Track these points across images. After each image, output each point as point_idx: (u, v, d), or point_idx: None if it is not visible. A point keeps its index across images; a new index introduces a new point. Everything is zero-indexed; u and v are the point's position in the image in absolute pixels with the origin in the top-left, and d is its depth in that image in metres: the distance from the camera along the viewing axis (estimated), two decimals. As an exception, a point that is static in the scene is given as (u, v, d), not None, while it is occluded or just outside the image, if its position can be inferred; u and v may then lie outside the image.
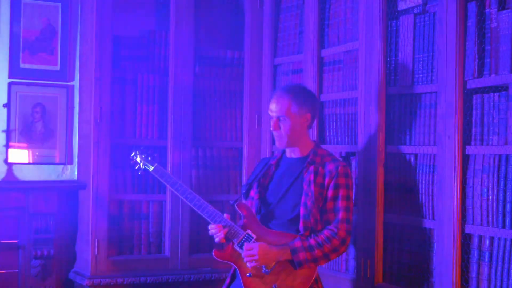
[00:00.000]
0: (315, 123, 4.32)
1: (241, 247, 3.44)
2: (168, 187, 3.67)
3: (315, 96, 3.66)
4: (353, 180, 3.68)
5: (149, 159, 3.74)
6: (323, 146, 4.28)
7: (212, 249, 3.53)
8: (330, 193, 3.45)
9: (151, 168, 3.72)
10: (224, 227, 3.44)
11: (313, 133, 4.36)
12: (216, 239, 3.46)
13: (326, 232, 3.41)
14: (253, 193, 3.61)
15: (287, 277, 3.39)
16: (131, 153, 3.83)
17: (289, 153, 3.60)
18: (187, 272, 4.78)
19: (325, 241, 3.39)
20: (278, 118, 3.49)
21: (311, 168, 3.47)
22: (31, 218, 4.69)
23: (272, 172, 3.62)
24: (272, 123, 3.53)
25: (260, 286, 3.39)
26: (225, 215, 3.50)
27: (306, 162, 3.50)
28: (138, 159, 3.78)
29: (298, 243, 3.37)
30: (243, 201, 3.61)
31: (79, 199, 4.83)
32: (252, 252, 3.36)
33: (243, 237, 3.44)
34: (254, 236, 3.44)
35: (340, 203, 3.45)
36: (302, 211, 3.43)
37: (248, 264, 3.39)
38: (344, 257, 4.10)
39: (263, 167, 3.65)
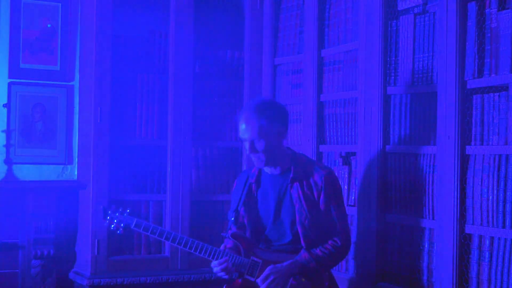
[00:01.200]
0: (315, 123, 4.34)
1: (251, 275, 3.42)
2: (157, 238, 3.56)
3: (283, 107, 3.53)
4: (339, 183, 3.63)
5: (125, 215, 3.57)
6: (323, 147, 4.30)
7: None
8: (322, 206, 3.45)
9: (132, 224, 3.54)
10: (226, 260, 3.39)
11: (313, 133, 4.36)
12: (224, 275, 3.41)
13: (331, 243, 3.44)
14: (241, 218, 3.58)
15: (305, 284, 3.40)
16: (106, 215, 3.62)
17: (269, 170, 3.53)
18: (187, 272, 4.77)
19: (331, 251, 3.42)
20: (252, 141, 3.39)
21: (296, 184, 3.45)
22: (31, 218, 4.68)
23: (254, 192, 3.57)
24: (247, 147, 3.42)
25: None
26: (222, 246, 3.46)
27: (289, 178, 3.46)
28: (114, 219, 3.58)
29: (306, 255, 3.39)
30: (235, 230, 3.53)
31: (79, 199, 4.83)
32: (269, 280, 3.33)
33: (250, 264, 3.42)
34: (260, 260, 3.43)
35: (334, 214, 3.46)
36: (300, 230, 3.43)
37: None
38: (344, 257, 4.11)
39: (243, 187, 3.57)
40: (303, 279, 3.37)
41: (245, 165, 4.95)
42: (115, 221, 3.59)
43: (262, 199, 3.55)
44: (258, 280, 3.37)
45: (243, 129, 3.39)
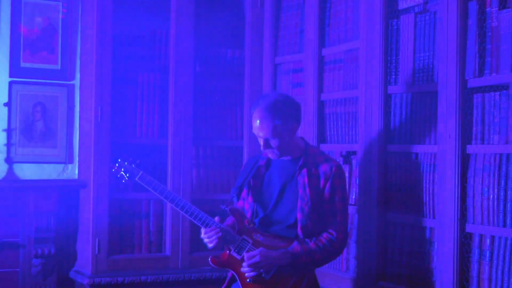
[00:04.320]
0: (315, 122, 4.34)
1: (238, 253, 3.41)
2: (158, 195, 3.59)
3: (296, 103, 3.51)
4: (346, 178, 3.64)
5: (133, 166, 3.63)
6: (323, 146, 4.29)
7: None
8: (326, 195, 3.43)
9: (137, 177, 3.60)
10: (217, 232, 3.39)
11: (314, 132, 4.36)
12: (210, 245, 3.40)
13: (325, 236, 3.40)
14: (244, 194, 3.58)
15: (287, 281, 3.38)
16: (115, 163, 3.70)
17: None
18: (188, 271, 4.78)
19: (325, 244, 3.38)
20: (266, 139, 3.41)
21: (304, 171, 3.45)
22: (32, 216, 4.69)
23: (262, 174, 3.57)
24: (261, 143, 3.43)
25: None
26: (216, 218, 3.46)
27: (298, 165, 3.47)
28: (121, 168, 3.66)
29: (298, 248, 3.36)
30: (236, 205, 3.58)
31: (79, 198, 4.83)
32: (254, 260, 3.32)
33: (239, 242, 3.42)
34: (251, 241, 3.42)
35: (337, 206, 3.44)
36: (299, 216, 3.41)
37: (250, 274, 3.35)
38: (345, 256, 4.10)
39: (251, 168, 3.59)
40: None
41: (245, 164, 4.95)
42: (122, 169, 3.65)
43: (268, 181, 3.55)
44: (245, 258, 3.35)
45: (257, 127, 3.41)
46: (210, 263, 3.47)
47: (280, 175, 3.52)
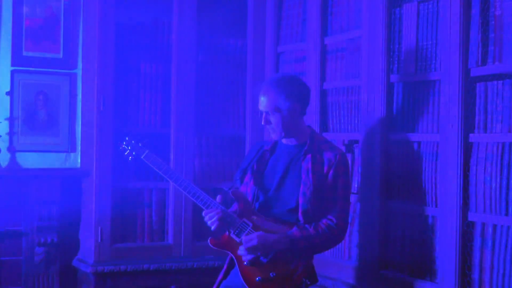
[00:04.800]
0: (318, 111, 4.34)
1: (237, 235, 3.42)
2: (161, 174, 3.62)
3: (303, 84, 3.54)
4: (349, 167, 3.65)
5: (140, 145, 3.66)
6: (326, 134, 4.30)
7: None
8: (329, 182, 3.43)
9: (142, 155, 3.64)
10: (217, 212, 3.41)
11: (316, 120, 4.37)
12: (212, 227, 3.42)
13: (325, 222, 3.40)
14: (247, 179, 3.60)
15: (284, 265, 3.39)
16: (122, 141, 3.75)
17: (286, 140, 3.57)
18: (190, 259, 4.79)
19: (325, 231, 3.38)
20: (267, 113, 3.46)
21: (309, 156, 3.46)
22: (34, 205, 4.71)
23: (267, 158, 3.59)
24: (262, 117, 3.49)
25: (257, 274, 3.39)
26: (217, 197, 3.48)
27: (303, 150, 3.48)
28: (128, 146, 3.70)
29: (297, 233, 3.36)
30: (239, 188, 3.59)
31: (82, 187, 4.84)
32: (252, 243, 3.34)
33: (239, 225, 3.43)
34: (251, 224, 3.43)
35: (339, 193, 3.44)
36: (301, 200, 3.42)
37: (247, 257, 3.37)
38: (347, 244, 4.11)
39: (256, 152, 3.62)
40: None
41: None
42: (129, 148, 3.70)
43: (271, 165, 3.56)
44: (243, 241, 3.37)
45: (261, 101, 3.47)
46: (209, 244, 3.49)
47: (284, 159, 3.53)
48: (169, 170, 3.61)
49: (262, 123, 3.51)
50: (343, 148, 4.19)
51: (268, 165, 3.58)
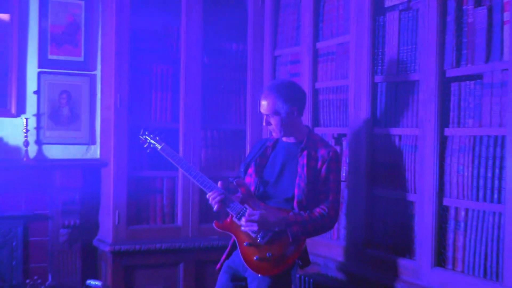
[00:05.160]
0: (310, 108, 4.33)
1: (239, 219, 3.42)
2: (174, 164, 3.63)
3: (299, 89, 3.54)
4: (342, 163, 3.64)
5: (157, 138, 3.67)
6: (317, 129, 4.29)
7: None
8: (322, 176, 3.43)
9: (159, 147, 3.65)
10: (219, 194, 3.42)
11: (309, 116, 4.36)
12: (214, 207, 3.44)
13: (318, 210, 3.40)
14: (251, 171, 3.59)
15: (280, 246, 3.39)
16: (140, 133, 3.75)
17: (285, 138, 3.57)
18: (197, 239, 4.80)
19: (317, 217, 3.38)
20: (267, 115, 3.47)
21: (305, 152, 3.45)
22: (59, 192, 4.70)
23: (269, 153, 3.59)
24: (263, 119, 3.51)
25: (256, 254, 3.39)
26: (219, 183, 3.49)
27: (300, 147, 3.48)
28: (148, 139, 3.71)
29: (293, 217, 3.36)
30: (242, 178, 3.60)
31: (101, 175, 4.84)
32: (253, 218, 3.34)
33: (241, 210, 3.43)
34: (251, 209, 3.44)
35: (331, 185, 3.44)
36: (296, 191, 3.42)
37: (247, 228, 3.37)
38: (336, 226, 4.11)
39: (260, 147, 3.63)
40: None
41: (248, 145, 4.95)
42: (148, 141, 3.70)
43: (272, 160, 3.56)
44: (246, 214, 3.37)
45: (262, 105, 3.49)
46: (214, 226, 3.51)
47: (283, 155, 3.53)
48: (182, 161, 3.63)
49: (263, 124, 3.52)
50: (332, 141, 4.19)
51: (269, 159, 3.58)
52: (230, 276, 3.54)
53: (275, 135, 3.54)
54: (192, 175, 3.54)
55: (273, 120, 3.46)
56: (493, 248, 3.16)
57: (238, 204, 3.44)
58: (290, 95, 3.45)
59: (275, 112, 3.44)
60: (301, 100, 3.52)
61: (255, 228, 3.34)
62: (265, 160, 3.59)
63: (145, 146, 3.73)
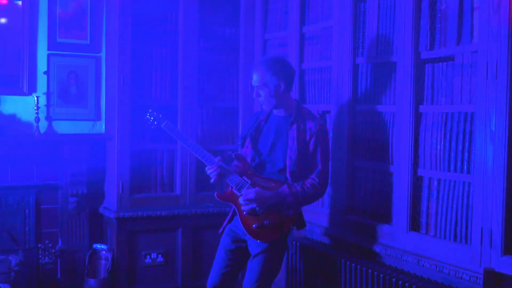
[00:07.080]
0: (297, 87, 4.31)
1: (238, 190, 3.43)
2: (177, 139, 3.62)
3: (288, 65, 3.50)
4: (329, 135, 3.64)
5: (160, 116, 3.66)
6: (304, 106, 4.27)
7: (214, 188, 3.52)
8: (311, 148, 3.42)
9: (162, 124, 3.64)
10: (217, 168, 3.42)
11: (295, 95, 4.34)
12: (212, 179, 3.43)
13: (309, 181, 3.40)
14: (247, 143, 3.59)
15: (276, 215, 3.40)
16: (147, 113, 3.72)
17: (276, 112, 3.55)
18: (194, 207, 4.79)
19: (309, 188, 3.38)
20: (257, 87, 3.45)
21: (294, 126, 3.44)
22: (68, 163, 4.69)
23: (262, 127, 3.58)
24: (254, 91, 3.49)
25: (254, 222, 3.40)
26: (217, 158, 3.48)
27: (289, 121, 3.46)
28: (152, 117, 3.69)
29: (286, 190, 3.36)
30: (240, 152, 3.59)
31: (106, 148, 4.82)
32: (250, 196, 3.34)
33: (240, 182, 3.43)
34: (249, 181, 3.43)
35: (319, 157, 3.42)
36: (287, 162, 3.41)
37: (245, 208, 3.38)
38: (321, 194, 4.12)
39: (254, 121, 3.61)
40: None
41: (240, 121, 4.94)
42: (152, 118, 3.68)
43: (265, 132, 3.55)
44: (242, 196, 3.38)
45: (253, 77, 3.46)
46: (216, 197, 3.51)
47: (275, 128, 3.52)
48: (183, 136, 3.66)
49: (254, 96, 3.51)
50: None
51: (262, 132, 3.57)
52: (232, 238, 3.57)
53: (264, 107, 3.51)
54: (194, 149, 3.55)
55: (262, 92, 3.43)
56: (462, 214, 3.18)
57: (237, 176, 3.43)
58: (279, 69, 3.42)
59: (264, 84, 3.41)
60: (288, 75, 3.46)
61: (254, 205, 3.34)
62: (259, 133, 3.57)
63: (149, 122, 3.70)
